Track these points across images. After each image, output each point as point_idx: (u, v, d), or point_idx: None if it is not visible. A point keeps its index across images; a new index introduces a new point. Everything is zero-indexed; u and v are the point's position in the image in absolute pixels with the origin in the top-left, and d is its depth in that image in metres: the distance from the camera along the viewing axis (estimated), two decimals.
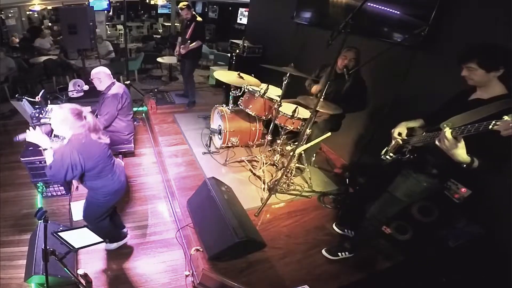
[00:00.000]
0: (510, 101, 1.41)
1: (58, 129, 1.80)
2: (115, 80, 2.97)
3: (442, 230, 2.17)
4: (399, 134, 1.85)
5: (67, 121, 1.75)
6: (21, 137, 1.89)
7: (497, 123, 1.21)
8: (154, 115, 4.42)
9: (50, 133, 2.68)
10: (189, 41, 4.31)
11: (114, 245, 2.44)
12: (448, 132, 1.39)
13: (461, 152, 1.39)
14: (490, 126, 1.24)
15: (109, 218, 2.27)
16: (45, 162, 2.65)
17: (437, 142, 1.46)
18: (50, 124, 1.90)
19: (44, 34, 8.03)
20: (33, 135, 1.86)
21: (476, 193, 2.04)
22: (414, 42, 2.49)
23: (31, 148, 2.72)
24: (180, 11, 4.32)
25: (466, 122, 1.42)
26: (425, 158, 1.73)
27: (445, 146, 1.41)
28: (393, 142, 1.90)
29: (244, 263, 2.18)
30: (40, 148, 2.57)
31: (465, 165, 1.43)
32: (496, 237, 2.05)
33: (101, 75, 2.82)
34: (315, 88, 2.93)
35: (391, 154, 1.92)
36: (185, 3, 4.23)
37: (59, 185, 2.87)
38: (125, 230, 2.53)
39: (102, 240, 1.66)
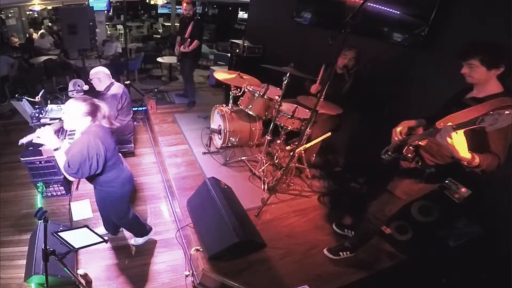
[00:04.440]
0: (504, 99, 1.41)
1: (73, 122, 1.75)
2: (113, 80, 2.97)
3: (442, 230, 2.18)
4: (400, 133, 1.85)
5: (83, 111, 1.71)
6: (26, 139, 1.74)
7: (484, 118, 1.19)
8: (154, 115, 4.42)
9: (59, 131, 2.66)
10: (188, 39, 4.28)
11: (141, 240, 2.47)
12: (449, 126, 1.37)
13: (462, 147, 1.37)
14: (478, 122, 1.22)
15: (132, 211, 2.28)
16: (45, 162, 2.68)
17: (437, 138, 1.44)
18: (60, 121, 1.82)
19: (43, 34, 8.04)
20: (44, 134, 1.72)
21: (476, 193, 2.04)
22: (414, 42, 2.49)
23: (31, 148, 2.71)
24: (183, 5, 4.28)
25: (461, 121, 1.42)
26: (422, 156, 1.74)
27: (446, 141, 1.38)
28: (393, 141, 1.90)
29: (244, 263, 2.18)
30: (42, 148, 2.57)
31: (466, 163, 1.41)
32: (496, 237, 2.06)
33: (101, 75, 2.81)
34: (314, 88, 2.93)
35: (389, 153, 1.93)
36: None
37: (59, 185, 2.87)
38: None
39: (102, 240, 1.66)
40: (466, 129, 1.30)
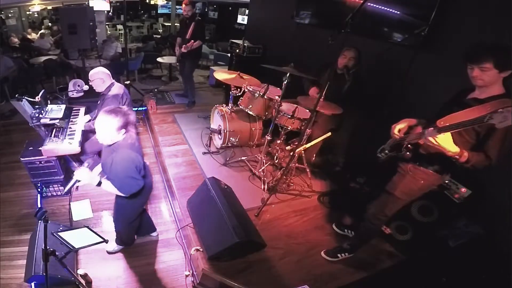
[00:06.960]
0: (505, 101, 1.41)
1: (108, 138, 1.73)
2: (114, 80, 2.97)
3: (442, 230, 2.17)
4: (399, 130, 1.84)
5: (116, 126, 1.69)
6: (69, 186, 1.78)
7: (492, 116, 1.24)
8: (154, 115, 4.42)
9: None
10: (192, 40, 4.27)
11: (117, 248, 2.43)
12: (433, 130, 1.47)
13: (447, 144, 1.46)
14: (485, 120, 1.26)
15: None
16: (45, 162, 2.68)
17: (423, 140, 1.55)
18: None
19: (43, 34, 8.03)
20: (83, 176, 1.73)
21: (476, 193, 2.04)
22: (414, 42, 2.49)
23: (31, 148, 2.71)
24: (183, 6, 4.27)
25: (459, 121, 1.42)
26: (420, 155, 1.74)
27: (431, 143, 1.49)
28: (392, 138, 1.90)
29: (244, 263, 2.18)
30: (42, 148, 2.56)
31: (457, 157, 1.49)
32: (496, 237, 2.06)
33: (101, 76, 2.80)
34: (313, 91, 2.93)
35: (386, 151, 1.92)
36: None
37: (59, 185, 2.87)
38: (154, 234, 2.62)
39: (102, 240, 1.66)
40: (472, 125, 1.36)
